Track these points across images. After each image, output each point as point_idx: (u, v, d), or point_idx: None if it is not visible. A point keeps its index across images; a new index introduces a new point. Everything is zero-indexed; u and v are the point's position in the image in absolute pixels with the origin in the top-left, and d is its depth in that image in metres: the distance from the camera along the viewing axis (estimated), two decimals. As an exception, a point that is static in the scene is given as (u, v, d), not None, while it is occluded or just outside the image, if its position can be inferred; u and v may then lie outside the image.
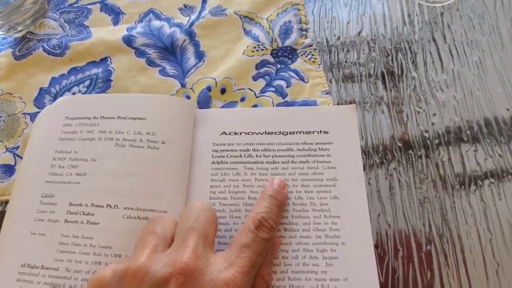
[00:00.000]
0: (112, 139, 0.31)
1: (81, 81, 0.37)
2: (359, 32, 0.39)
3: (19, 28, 0.39)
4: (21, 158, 0.33)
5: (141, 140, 0.31)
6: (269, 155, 0.31)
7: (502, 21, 0.38)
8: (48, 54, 0.38)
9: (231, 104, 0.35)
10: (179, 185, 0.29)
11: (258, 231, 0.24)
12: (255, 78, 0.36)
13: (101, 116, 0.32)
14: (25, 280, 0.26)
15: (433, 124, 0.33)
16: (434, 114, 0.34)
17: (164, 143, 0.30)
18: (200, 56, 0.38)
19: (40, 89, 0.37)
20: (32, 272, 0.27)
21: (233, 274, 0.22)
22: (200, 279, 0.21)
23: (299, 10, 0.40)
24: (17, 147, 0.34)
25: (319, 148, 0.31)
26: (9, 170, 0.33)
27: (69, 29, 0.40)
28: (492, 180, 0.31)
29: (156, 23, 0.40)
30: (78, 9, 0.42)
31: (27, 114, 0.35)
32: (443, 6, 0.40)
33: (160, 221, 0.25)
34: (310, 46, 0.38)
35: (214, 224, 0.25)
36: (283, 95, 0.35)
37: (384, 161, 0.32)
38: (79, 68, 0.38)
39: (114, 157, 0.30)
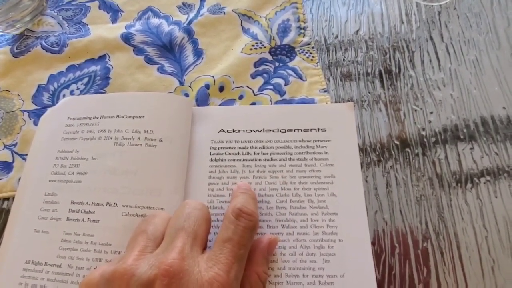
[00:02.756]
0: (111, 138, 0.31)
1: (79, 78, 0.37)
2: (357, 31, 0.39)
3: (17, 25, 0.39)
4: (19, 155, 0.33)
5: (139, 138, 0.31)
6: (267, 153, 0.31)
7: (499, 20, 0.38)
8: (46, 51, 0.38)
9: (229, 102, 0.35)
10: (177, 183, 0.30)
11: (238, 220, 0.24)
12: (253, 76, 0.36)
13: (101, 116, 0.32)
14: (30, 276, 0.27)
15: (430, 122, 0.33)
16: (431, 113, 0.34)
17: (161, 141, 0.31)
18: (198, 54, 0.38)
19: (38, 86, 0.37)
20: (36, 269, 0.27)
21: (216, 273, 0.22)
22: (186, 280, 0.21)
23: (297, 8, 0.40)
24: (15, 144, 0.34)
25: (317, 145, 0.31)
26: (7, 167, 0.33)
27: (67, 26, 0.40)
28: (488, 178, 0.31)
29: (154, 21, 0.40)
30: (77, 6, 0.42)
31: (25, 111, 0.35)
32: (440, 5, 0.40)
33: (153, 220, 0.25)
34: (308, 44, 0.38)
35: (205, 223, 0.25)
36: (281, 93, 0.35)
37: (382, 159, 0.32)
38: (77, 65, 0.38)
39: (113, 156, 0.30)
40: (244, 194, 0.27)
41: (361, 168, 0.31)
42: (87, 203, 0.29)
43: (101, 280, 0.22)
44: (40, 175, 0.31)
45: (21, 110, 0.35)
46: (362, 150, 0.33)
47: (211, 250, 0.23)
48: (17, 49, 0.38)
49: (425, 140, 0.33)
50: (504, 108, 0.34)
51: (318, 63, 0.37)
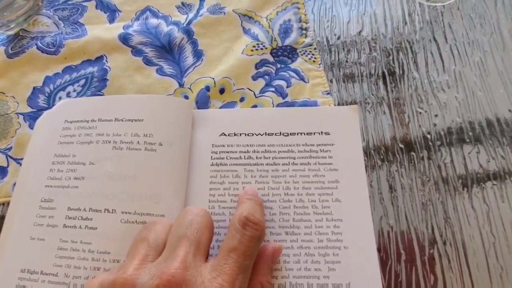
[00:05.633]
0: (109, 142, 0.30)
1: (76, 80, 0.36)
2: (360, 32, 0.38)
3: (12, 26, 0.38)
4: (14, 159, 0.32)
5: (138, 142, 0.30)
6: (270, 157, 0.30)
7: (503, 21, 0.38)
8: (42, 52, 0.37)
9: (230, 105, 0.34)
10: (177, 188, 0.29)
11: (244, 229, 0.23)
12: (254, 78, 0.35)
13: (99, 119, 0.31)
14: (25, 285, 0.26)
15: (435, 125, 0.33)
16: (436, 115, 0.33)
17: (161, 145, 0.30)
18: (198, 55, 0.37)
19: (34, 88, 0.36)
20: (32, 278, 0.26)
21: (220, 284, 0.21)
22: None
23: (298, 8, 0.40)
24: (10, 148, 0.33)
25: (320, 149, 0.30)
26: (2, 172, 0.32)
27: (63, 26, 0.39)
28: (495, 182, 0.30)
29: (153, 21, 0.39)
30: (73, 6, 0.41)
31: (20, 114, 0.34)
32: (443, 6, 0.39)
33: (154, 227, 0.25)
34: (310, 45, 0.37)
35: (208, 231, 0.24)
36: (283, 95, 0.34)
37: (386, 162, 0.31)
38: (74, 66, 0.37)
39: (112, 160, 0.29)
40: (250, 201, 0.26)
41: (365, 172, 0.30)
42: (85, 209, 0.28)
43: None
44: (36, 180, 0.30)
45: (16, 113, 0.34)
46: (366, 154, 0.32)
47: (215, 259, 0.23)
48: (11, 50, 0.37)
49: (430, 143, 0.32)
50: (510, 110, 0.33)
51: (321, 65, 0.36)
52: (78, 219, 0.28)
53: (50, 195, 0.29)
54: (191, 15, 0.39)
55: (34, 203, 0.29)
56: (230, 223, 0.24)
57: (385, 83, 0.35)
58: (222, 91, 0.35)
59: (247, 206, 0.25)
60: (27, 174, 0.30)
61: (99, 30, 0.39)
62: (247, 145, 0.31)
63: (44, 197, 0.29)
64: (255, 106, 0.34)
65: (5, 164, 0.32)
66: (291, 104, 0.34)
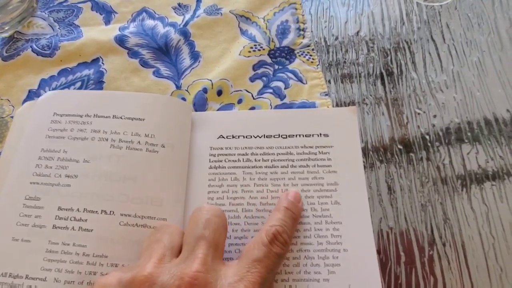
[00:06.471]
0: (107, 140, 0.29)
1: (71, 82, 0.36)
2: (358, 32, 0.38)
3: (6, 28, 0.38)
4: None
5: (139, 142, 0.29)
6: (268, 159, 0.30)
7: (500, 21, 0.38)
8: (37, 54, 0.37)
9: (228, 107, 0.34)
10: (179, 191, 0.28)
11: (271, 245, 0.23)
12: (252, 80, 0.35)
13: (94, 114, 0.30)
14: None
15: (433, 125, 0.33)
16: (435, 116, 0.33)
17: (163, 147, 0.29)
18: (195, 56, 0.37)
19: (29, 91, 0.35)
20: (15, 283, 0.25)
21: None
22: None
23: (296, 9, 0.39)
24: (6, 152, 0.32)
25: (319, 151, 0.30)
26: (-2, 176, 0.32)
27: (58, 28, 0.39)
28: (494, 182, 0.30)
29: (149, 22, 0.39)
30: (68, 8, 0.40)
31: (16, 117, 0.34)
32: (441, 5, 0.39)
33: (167, 229, 0.24)
34: (308, 46, 0.37)
35: (224, 232, 0.24)
36: (281, 96, 0.34)
37: (385, 163, 0.31)
38: (69, 69, 0.36)
39: (109, 160, 0.29)
40: (286, 212, 0.25)
41: (364, 174, 0.30)
42: (78, 209, 0.27)
43: (118, 287, 0.21)
44: (19, 176, 0.28)
45: (11, 117, 0.34)
46: (365, 155, 0.32)
47: (237, 265, 0.22)
48: (6, 52, 0.37)
49: (428, 144, 0.32)
50: (508, 110, 0.33)
51: (319, 66, 0.36)
52: (71, 220, 0.26)
53: (36, 193, 0.27)
54: (187, 16, 0.39)
55: (16, 201, 0.27)
56: (260, 232, 0.24)
57: (383, 83, 0.35)
58: (219, 93, 0.35)
59: (280, 220, 0.25)
60: (8, 169, 0.28)
61: (95, 32, 0.38)
62: (246, 147, 0.31)
63: (29, 194, 0.27)
64: (253, 108, 0.34)
65: (1, 169, 0.32)
66: (289, 106, 0.34)
